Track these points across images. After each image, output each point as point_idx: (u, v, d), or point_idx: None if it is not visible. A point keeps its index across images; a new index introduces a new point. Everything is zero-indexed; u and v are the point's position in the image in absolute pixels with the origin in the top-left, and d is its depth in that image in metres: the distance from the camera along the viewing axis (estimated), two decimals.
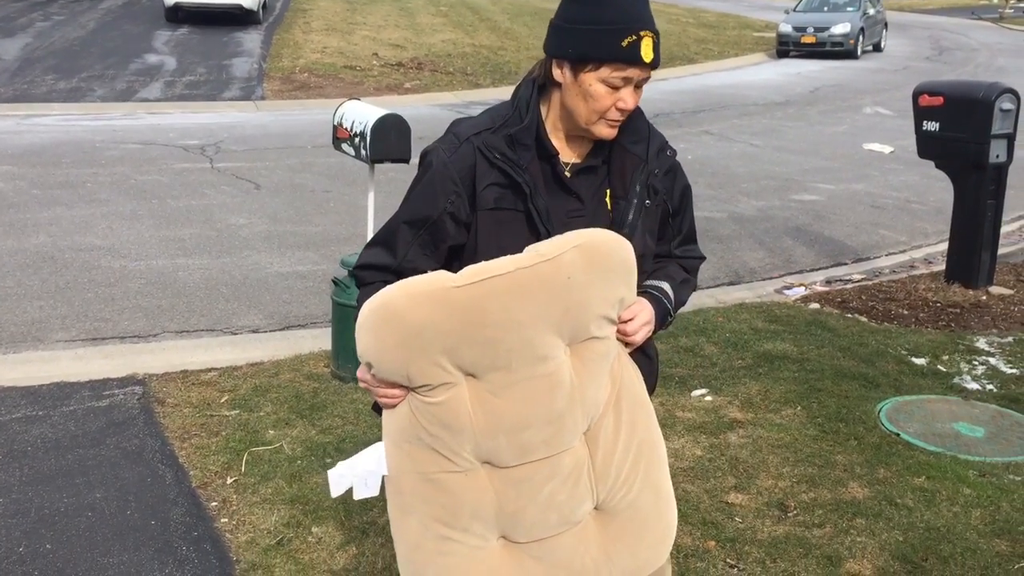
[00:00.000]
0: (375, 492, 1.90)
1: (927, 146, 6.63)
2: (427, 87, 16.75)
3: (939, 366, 5.29)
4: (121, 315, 5.86)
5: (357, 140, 4.72)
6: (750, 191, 9.82)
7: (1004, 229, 7.48)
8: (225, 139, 11.72)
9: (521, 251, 1.89)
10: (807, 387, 4.82)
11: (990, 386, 5.09)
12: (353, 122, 4.77)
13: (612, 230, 1.97)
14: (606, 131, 1.98)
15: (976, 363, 5.38)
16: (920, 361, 5.34)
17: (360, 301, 1.97)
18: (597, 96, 1.92)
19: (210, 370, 4.98)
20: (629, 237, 1.99)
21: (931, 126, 6.54)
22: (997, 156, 6.40)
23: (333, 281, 4.92)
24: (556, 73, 1.96)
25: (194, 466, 3.93)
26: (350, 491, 1.94)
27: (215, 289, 6.38)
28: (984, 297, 6.56)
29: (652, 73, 1.96)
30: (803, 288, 6.85)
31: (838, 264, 7.72)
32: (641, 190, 2.05)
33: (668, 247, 2.21)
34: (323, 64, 17.70)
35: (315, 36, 20.15)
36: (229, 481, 3.82)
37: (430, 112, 13.92)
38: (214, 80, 16.23)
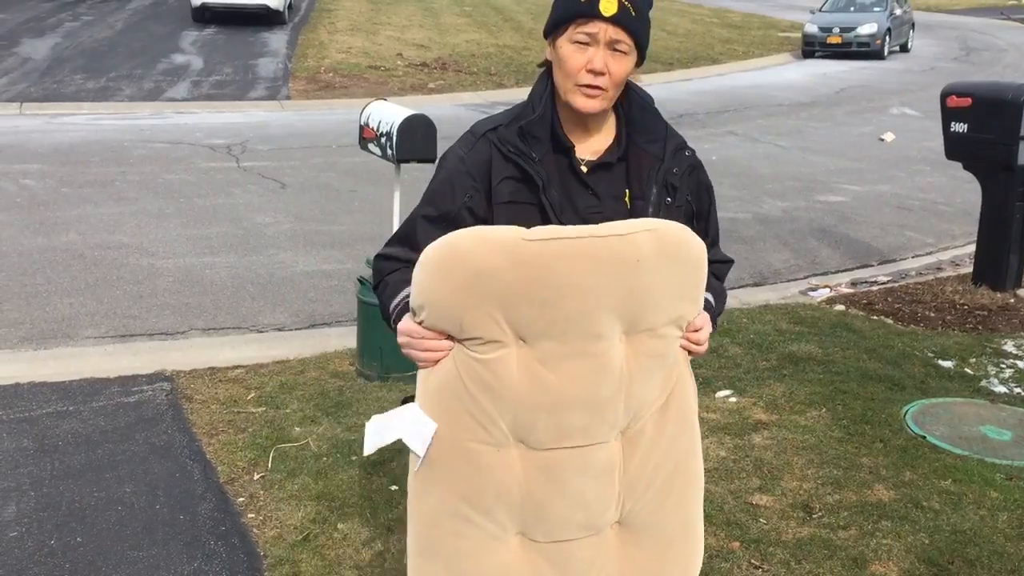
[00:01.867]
0: (428, 442, 1.81)
1: (955, 147, 6.58)
2: (451, 87, 16.80)
3: (966, 369, 5.25)
4: (149, 312, 5.93)
5: (383, 140, 4.75)
6: (775, 192, 9.78)
7: None
8: (251, 138, 11.81)
9: None
10: (832, 389, 4.80)
11: (1018, 389, 5.05)
12: (380, 122, 4.80)
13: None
14: (581, 100, 1.91)
15: (1004, 366, 5.34)
16: (947, 364, 5.31)
17: (376, 289, 2.01)
18: (567, 58, 1.89)
19: (237, 367, 5.03)
20: None
21: (959, 127, 6.48)
22: None
23: (359, 280, 4.95)
24: (548, 53, 1.97)
25: (221, 462, 3.98)
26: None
27: (241, 287, 6.44)
28: (1012, 300, 6.50)
29: (628, 37, 1.89)
30: (828, 290, 6.82)
31: (864, 266, 7.68)
32: (659, 189, 2.02)
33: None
34: (348, 64, 17.79)
35: (340, 36, 20.26)
36: (256, 477, 3.86)
37: (454, 112, 13.95)
38: (240, 80, 16.36)
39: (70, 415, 4.41)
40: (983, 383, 5.06)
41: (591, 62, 1.88)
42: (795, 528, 3.54)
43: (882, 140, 12.86)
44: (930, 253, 8.07)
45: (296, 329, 5.79)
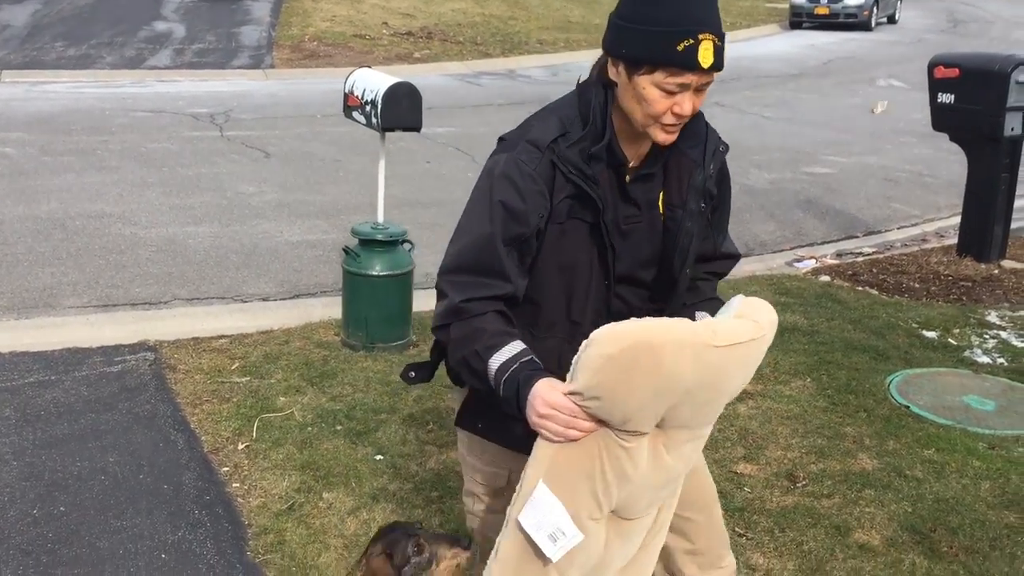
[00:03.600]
0: (567, 549, 1.76)
1: (942, 118, 6.57)
2: (437, 57, 16.65)
3: (950, 339, 5.27)
4: (132, 282, 5.88)
5: (368, 108, 4.70)
6: (761, 163, 9.76)
7: (1017, 203, 7.41)
8: (234, 107, 11.69)
9: (576, 261, 1.91)
10: (817, 359, 4.81)
11: (1001, 360, 5.08)
12: (364, 90, 4.74)
13: (666, 238, 1.98)
14: (662, 136, 1.87)
15: (987, 336, 5.36)
16: (931, 334, 5.33)
17: (452, 329, 1.84)
18: (651, 100, 1.81)
19: (221, 337, 5.00)
20: (687, 248, 1.98)
21: (946, 98, 6.47)
22: (1012, 129, 6.34)
23: (344, 250, 4.92)
24: (611, 71, 1.87)
25: (206, 432, 3.96)
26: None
27: (225, 257, 6.39)
28: (996, 271, 6.52)
29: (716, 73, 1.83)
30: (814, 261, 6.83)
31: (849, 237, 7.69)
32: (696, 197, 1.98)
33: (712, 244, 2.13)
34: (332, 33, 17.60)
35: (324, 4, 20.01)
36: (240, 447, 3.84)
37: (440, 82, 13.84)
38: (223, 48, 16.16)
39: (52, 384, 4.37)
40: (966, 353, 5.09)
41: (680, 107, 1.83)
42: (779, 497, 3.56)
43: (873, 112, 12.85)
44: (915, 225, 8.09)
45: (280, 299, 5.75)
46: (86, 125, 10.41)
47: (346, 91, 4.96)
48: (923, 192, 8.98)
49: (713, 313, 2.03)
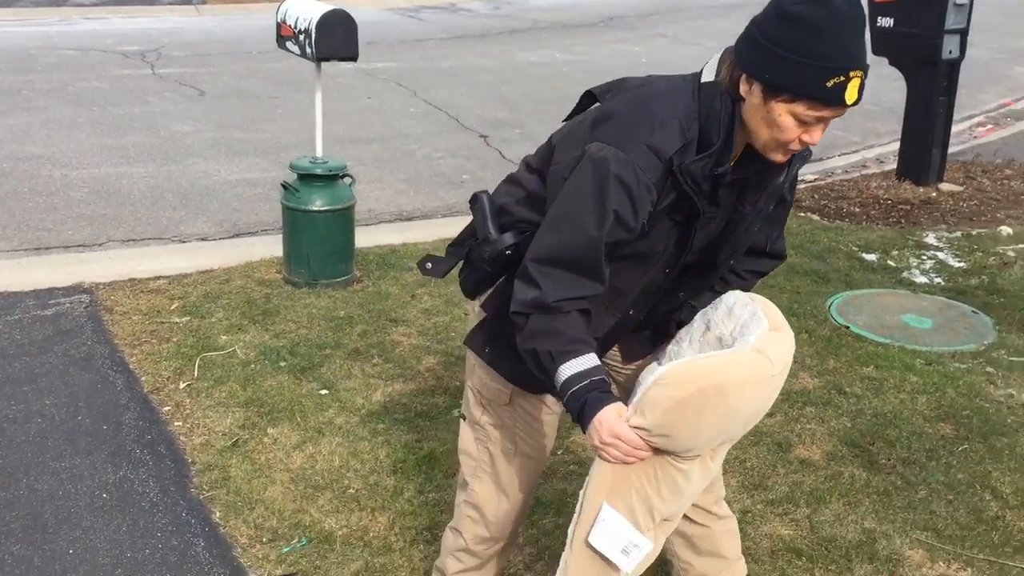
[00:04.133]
0: (636, 562, 1.88)
1: (881, 43, 6.59)
2: None
3: (889, 261, 5.36)
4: (64, 224, 5.70)
5: (302, 37, 4.56)
6: None
7: (955, 128, 7.52)
8: (166, 44, 11.31)
9: (652, 250, 1.91)
10: (759, 284, 4.82)
11: (938, 279, 5.18)
12: (297, 18, 4.60)
13: (725, 230, 1.97)
14: (780, 158, 1.83)
15: (925, 257, 5.46)
16: (871, 257, 5.41)
17: (551, 335, 1.81)
18: (784, 128, 1.76)
19: (159, 278, 4.88)
20: (742, 244, 2.03)
21: (885, 22, 6.49)
22: (950, 52, 6.39)
23: (283, 186, 4.81)
24: (743, 88, 1.78)
25: (145, 372, 3.88)
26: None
27: (161, 197, 6.22)
28: (934, 193, 6.63)
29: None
30: None
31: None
32: (770, 199, 1.97)
33: (764, 239, 2.13)
34: None
35: None
36: (182, 386, 3.78)
37: (381, 17, 13.54)
38: None
39: None
40: (905, 274, 5.18)
41: (810, 136, 1.77)
42: None
43: None
44: (856, 151, 8.17)
45: (220, 239, 5.63)
46: (10, 65, 9.99)
47: (279, 20, 4.81)
48: (863, 119, 9.04)
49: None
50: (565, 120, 2.06)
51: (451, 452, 3.36)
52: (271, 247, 5.26)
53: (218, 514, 2.98)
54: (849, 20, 1.69)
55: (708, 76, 1.83)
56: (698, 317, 2.09)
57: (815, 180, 7.23)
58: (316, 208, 4.70)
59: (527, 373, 1.96)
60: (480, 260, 2.05)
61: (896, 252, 5.48)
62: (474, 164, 7.41)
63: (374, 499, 3.08)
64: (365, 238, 5.45)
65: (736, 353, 1.84)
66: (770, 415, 3.63)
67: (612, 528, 1.84)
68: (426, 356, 4.11)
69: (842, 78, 1.68)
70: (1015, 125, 9.64)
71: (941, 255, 5.57)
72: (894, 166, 7.15)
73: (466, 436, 2.25)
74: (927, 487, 3.21)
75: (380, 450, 3.36)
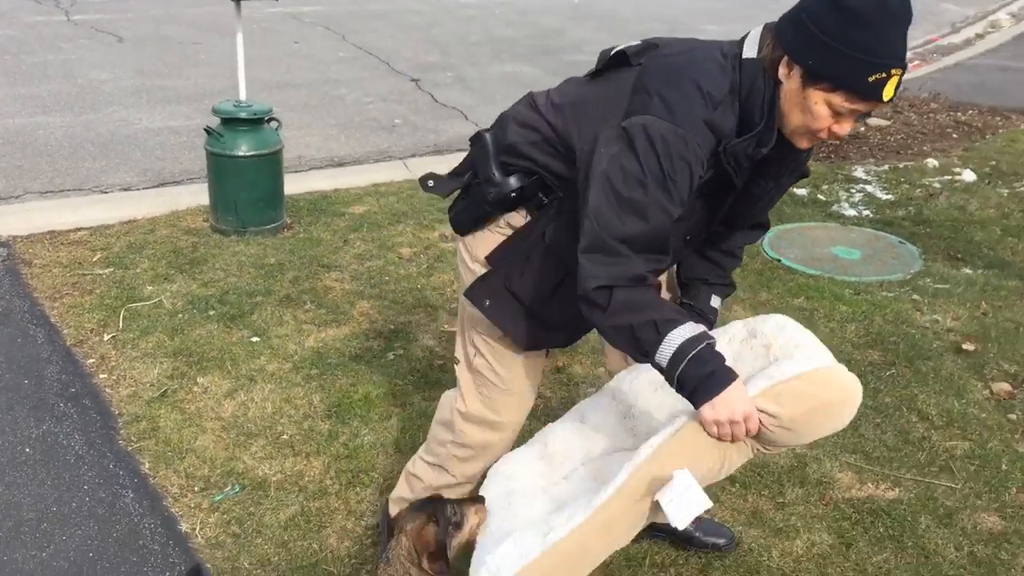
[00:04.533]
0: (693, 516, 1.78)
1: None
2: None
3: (819, 195, 5.42)
4: None
5: None
6: (638, 33, 9.61)
7: None
8: None
9: (681, 217, 1.83)
10: None
11: (866, 211, 5.25)
12: None
13: (746, 200, 1.98)
14: (805, 144, 1.84)
15: (854, 191, 5.53)
16: (801, 191, 5.46)
17: (647, 306, 1.77)
18: (817, 115, 1.75)
19: (79, 229, 4.72)
20: (759, 212, 2.08)
21: None
22: None
23: (206, 130, 4.66)
24: (782, 71, 1.75)
25: (67, 325, 3.75)
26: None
27: (80, 147, 5.99)
28: (862, 128, 6.70)
29: None
30: None
31: None
32: (791, 176, 2.00)
33: (758, 209, 2.13)
34: None
35: None
36: (106, 338, 3.67)
37: None
38: None
39: None
40: (835, 207, 5.24)
41: (840, 127, 1.76)
42: None
43: None
44: None
45: (144, 188, 5.45)
46: None
47: None
48: None
49: (724, 298, 2.24)
50: (590, 75, 1.99)
51: (387, 394, 3.33)
52: (197, 196, 5.11)
53: (147, 465, 2.91)
54: (900, 16, 1.68)
55: (750, 52, 1.79)
56: (739, 323, 2.11)
57: None
58: (242, 153, 4.57)
59: (526, 329, 2.02)
60: (482, 200, 2.04)
61: (826, 186, 5.54)
62: (406, 108, 7.28)
63: (308, 444, 3.04)
64: (295, 185, 5.33)
65: (853, 378, 1.88)
66: None
67: (686, 495, 1.78)
68: (360, 301, 4.05)
69: (884, 75, 1.68)
70: (941, 60, 9.79)
71: (869, 188, 5.64)
72: None
73: (464, 379, 2.24)
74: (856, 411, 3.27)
75: (314, 395, 3.31)
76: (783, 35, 1.75)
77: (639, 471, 1.81)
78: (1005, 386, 3.44)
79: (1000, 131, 7.07)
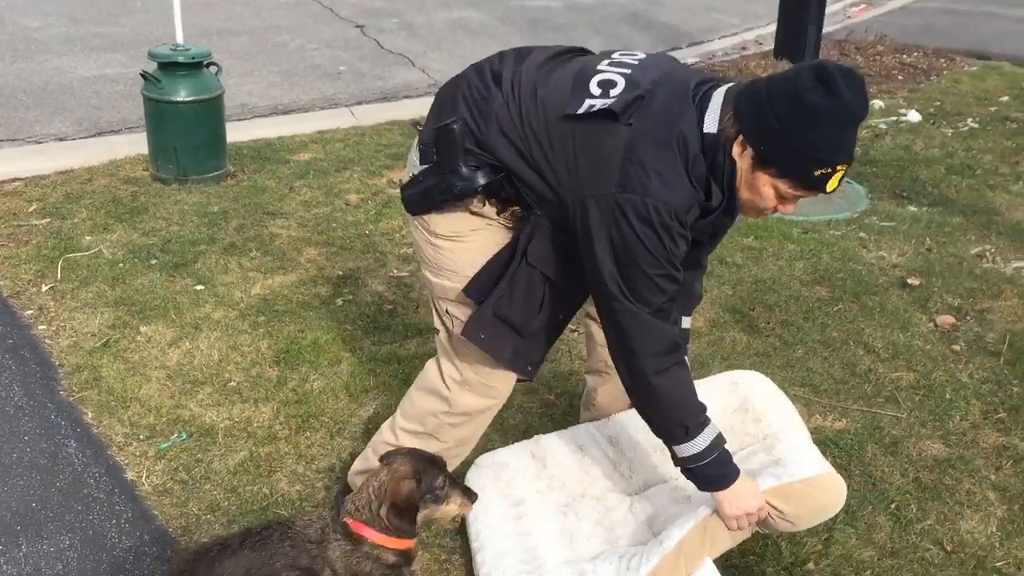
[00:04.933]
0: None
1: None
2: None
3: None
4: None
5: None
6: None
7: (829, 8, 7.60)
8: None
9: None
10: None
11: None
12: None
13: (696, 251, 2.05)
14: (752, 216, 1.93)
15: None
16: None
17: (686, 404, 1.95)
18: (764, 196, 1.81)
19: (13, 180, 4.56)
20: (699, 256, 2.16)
21: None
22: None
23: (142, 75, 4.51)
24: (736, 149, 1.80)
25: (3, 276, 3.64)
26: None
27: (12, 97, 5.78)
28: None
29: None
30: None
31: (674, 48, 7.72)
32: (733, 225, 2.07)
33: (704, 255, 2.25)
34: None
35: None
36: (44, 289, 3.56)
37: None
38: None
39: None
40: None
41: (784, 208, 1.84)
42: None
43: None
44: (736, 34, 8.20)
45: (80, 138, 5.28)
46: None
47: None
48: (744, 2, 9.07)
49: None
50: (575, 113, 1.89)
51: (336, 340, 3.29)
52: (137, 145, 4.97)
53: (90, 415, 2.85)
54: (853, 115, 1.72)
55: (711, 125, 1.82)
56: (725, 381, 2.43)
57: (696, 63, 7.24)
58: (181, 99, 4.43)
59: (512, 352, 2.08)
60: (445, 190, 2.01)
61: None
62: (351, 55, 7.13)
63: (257, 391, 2.99)
64: (238, 133, 5.20)
65: (842, 481, 2.15)
66: None
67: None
68: (307, 248, 3.98)
69: (829, 170, 1.73)
70: (887, 4, 9.84)
71: None
72: (772, 47, 7.20)
73: (449, 348, 2.21)
74: (804, 346, 3.31)
75: (261, 342, 3.25)
76: (741, 113, 1.79)
77: (667, 557, 2.02)
78: (949, 319, 3.50)
79: (944, 73, 7.14)
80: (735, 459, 2.05)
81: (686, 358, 2.01)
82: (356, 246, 4.02)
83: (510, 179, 1.99)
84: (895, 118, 5.96)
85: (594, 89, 1.88)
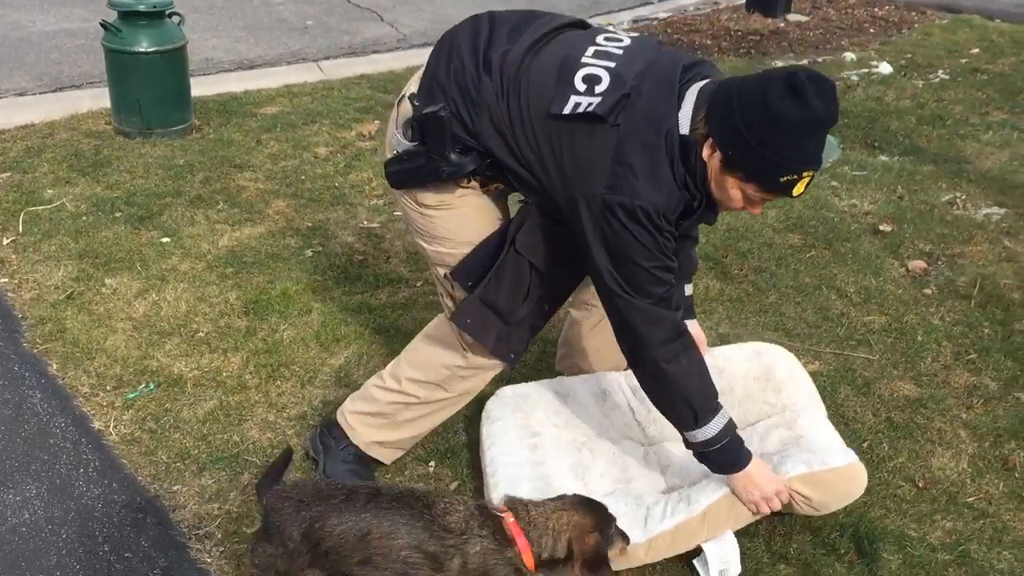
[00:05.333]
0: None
1: None
2: None
3: None
4: None
5: None
6: None
7: None
8: None
9: None
10: None
11: None
12: None
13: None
14: (724, 209, 1.95)
15: None
16: None
17: (702, 388, 1.98)
18: (732, 197, 1.85)
19: None
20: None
21: None
22: None
23: (102, 25, 4.39)
24: (706, 151, 1.81)
25: None
26: None
27: None
28: (782, 24, 6.69)
29: None
30: (611, 27, 6.76)
31: (645, 3, 7.66)
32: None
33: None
34: None
35: None
36: (5, 242, 3.48)
37: None
38: None
39: None
40: None
41: (752, 209, 1.88)
42: None
43: None
44: None
45: (40, 93, 5.15)
46: None
47: None
48: None
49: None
50: (561, 113, 1.85)
51: (306, 290, 3.24)
52: (99, 100, 4.86)
53: (55, 366, 2.79)
54: (821, 123, 1.73)
55: (684, 127, 1.82)
56: (749, 351, 2.46)
57: (668, 16, 7.18)
58: (143, 49, 4.32)
59: (496, 338, 2.09)
60: (433, 172, 2.01)
61: None
62: (318, 9, 7.00)
63: (225, 341, 2.95)
64: (203, 88, 5.10)
65: (864, 468, 2.17)
66: None
67: (727, 551, 2.08)
68: (275, 200, 3.92)
69: (795, 177, 1.75)
70: None
71: None
72: (744, 0, 7.16)
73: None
74: (777, 292, 3.31)
75: (230, 293, 3.20)
76: (713, 117, 1.79)
77: (693, 519, 2.07)
78: (920, 263, 3.51)
79: (916, 25, 7.13)
80: (755, 430, 2.10)
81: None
82: (325, 198, 3.96)
83: (498, 167, 1.99)
84: (867, 70, 5.95)
85: (579, 85, 1.86)
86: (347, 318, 3.08)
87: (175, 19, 4.47)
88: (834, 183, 4.23)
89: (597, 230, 1.85)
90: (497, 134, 1.94)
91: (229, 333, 2.99)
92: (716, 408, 2.00)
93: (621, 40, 1.95)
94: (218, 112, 4.86)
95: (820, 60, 6.09)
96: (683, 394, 1.97)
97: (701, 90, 1.83)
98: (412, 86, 2.04)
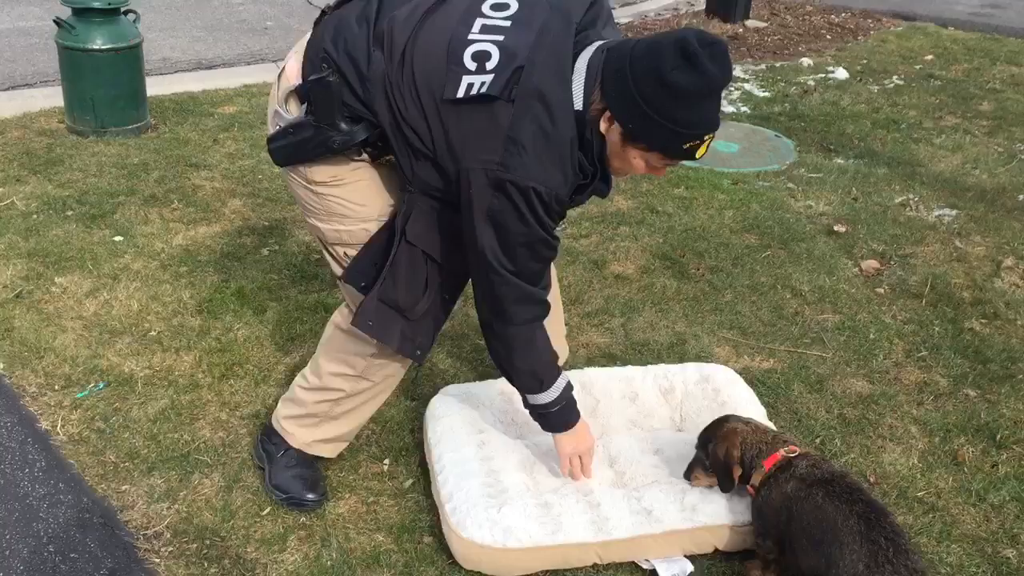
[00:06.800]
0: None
1: None
2: None
3: None
4: None
5: None
6: None
7: None
8: None
9: None
10: None
11: (744, 108, 5.31)
12: None
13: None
14: (623, 176, 1.97)
15: (732, 88, 5.58)
16: None
17: (542, 359, 2.03)
18: (635, 167, 1.86)
19: None
20: None
21: None
22: None
23: (55, 22, 4.33)
24: (603, 125, 1.80)
25: None
26: None
27: None
28: (741, 30, 6.75)
29: None
30: None
31: None
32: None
33: None
34: None
35: None
36: None
37: None
38: None
39: None
40: None
41: (655, 173, 1.91)
42: None
43: None
44: None
45: None
46: None
47: None
48: None
49: None
50: (455, 98, 1.78)
51: (262, 289, 3.21)
52: (52, 99, 4.79)
53: (2, 366, 2.73)
54: (718, 86, 1.74)
55: (577, 102, 1.80)
56: (692, 368, 2.60)
57: (629, 22, 7.22)
58: (97, 47, 4.27)
59: (400, 335, 2.06)
60: (322, 143, 1.91)
61: None
62: (278, 10, 6.96)
63: (178, 340, 2.91)
64: (160, 87, 5.05)
65: None
66: (585, 236, 3.65)
67: (682, 564, 2.13)
68: (231, 199, 3.88)
69: (697, 142, 1.77)
70: None
71: (748, 86, 5.70)
72: (703, 6, 7.22)
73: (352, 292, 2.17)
74: (733, 291, 3.33)
75: (183, 292, 3.16)
76: (608, 91, 1.77)
77: (649, 535, 2.10)
78: (873, 263, 3.55)
79: (872, 32, 7.24)
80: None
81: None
82: (283, 197, 3.93)
83: (390, 136, 1.90)
84: (823, 75, 6.03)
85: (469, 63, 1.78)
86: (303, 316, 3.06)
87: (130, 17, 4.41)
88: (790, 185, 4.28)
89: (484, 203, 1.81)
90: (387, 104, 1.86)
91: (182, 332, 2.95)
92: (557, 373, 2.07)
93: (508, 7, 1.87)
94: (175, 111, 4.81)
95: (778, 65, 6.16)
96: (533, 364, 2.03)
97: (591, 60, 1.79)
98: (292, 58, 1.97)
